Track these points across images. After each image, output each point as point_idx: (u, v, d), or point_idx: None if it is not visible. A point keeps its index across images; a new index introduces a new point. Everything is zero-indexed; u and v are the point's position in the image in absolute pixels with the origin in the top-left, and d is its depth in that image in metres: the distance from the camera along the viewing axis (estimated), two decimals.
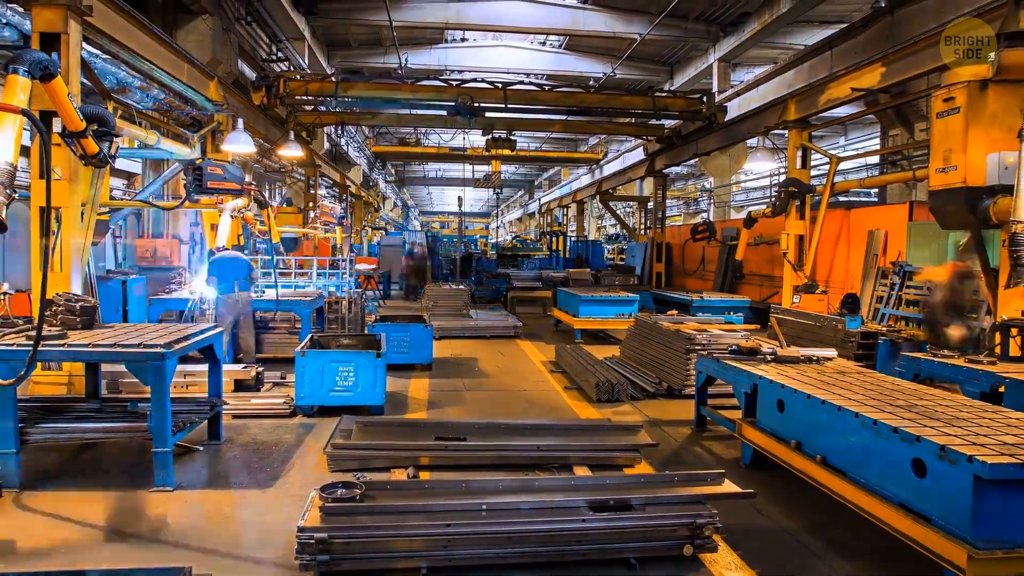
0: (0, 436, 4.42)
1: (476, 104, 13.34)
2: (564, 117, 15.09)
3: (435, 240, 25.76)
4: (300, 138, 13.80)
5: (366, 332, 8.99)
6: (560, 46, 20.22)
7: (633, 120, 21.59)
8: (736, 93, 15.36)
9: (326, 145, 20.03)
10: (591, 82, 21.39)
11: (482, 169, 24.96)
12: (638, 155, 21.06)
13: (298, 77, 13.05)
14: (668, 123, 19.48)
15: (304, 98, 13.22)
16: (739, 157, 18.99)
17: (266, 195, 17.31)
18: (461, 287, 14.45)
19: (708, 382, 6.16)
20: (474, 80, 12.81)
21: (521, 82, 13.24)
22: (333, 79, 13.17)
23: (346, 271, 14.86)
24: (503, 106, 13.36)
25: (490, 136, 15.67)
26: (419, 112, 17.84)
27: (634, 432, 5.52)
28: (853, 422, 3.78)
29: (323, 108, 15.64)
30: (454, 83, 12.88)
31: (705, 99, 14.19)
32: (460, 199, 20.73)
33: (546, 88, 13.36)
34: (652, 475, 4.61)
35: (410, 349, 8.90)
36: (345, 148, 24.12)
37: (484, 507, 3.61)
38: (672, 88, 20.38)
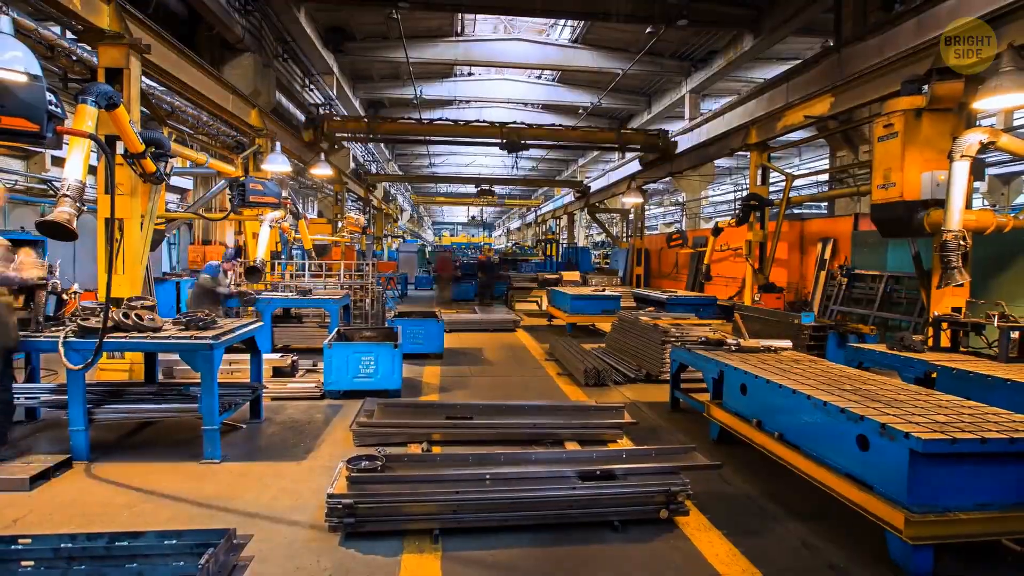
0: (72, 415, 4.45)
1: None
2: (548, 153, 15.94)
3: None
4: (329, 161, 13.78)
5: (386, 326, 8.99)
6: (554, 79, 20.23)
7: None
8: (705, 120, 15.36)
9: (351, 165, 20.04)
10: (580, 111, 21.40)
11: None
12: (620, 173, 21.04)
13: (337, 118, 14.52)
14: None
15: (342, 134, 14.40)
16: (708, 175, 18.93)
17: (300, 207, 17.37)
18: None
19: (681, 369, 6.15)
20: (480, 109, 13.52)
21: (514, 122, 14.45)
22: (365, 119, 14.62)
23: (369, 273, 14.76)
24: (500, 142, 14.27)
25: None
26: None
27: (617, 412, 5.50)
28: (806, 403, 3.78)
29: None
30: (462, 122, 14.32)
31: (660, 136, 14.77)
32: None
33: (534, 127, 14.65)
34: (633, 449, 4.60)
35: (424, 341, 8.87)
36: (369, 168, 24.18)
37: (488, 477, 3.61)
38: (649, 115, 20.48)
